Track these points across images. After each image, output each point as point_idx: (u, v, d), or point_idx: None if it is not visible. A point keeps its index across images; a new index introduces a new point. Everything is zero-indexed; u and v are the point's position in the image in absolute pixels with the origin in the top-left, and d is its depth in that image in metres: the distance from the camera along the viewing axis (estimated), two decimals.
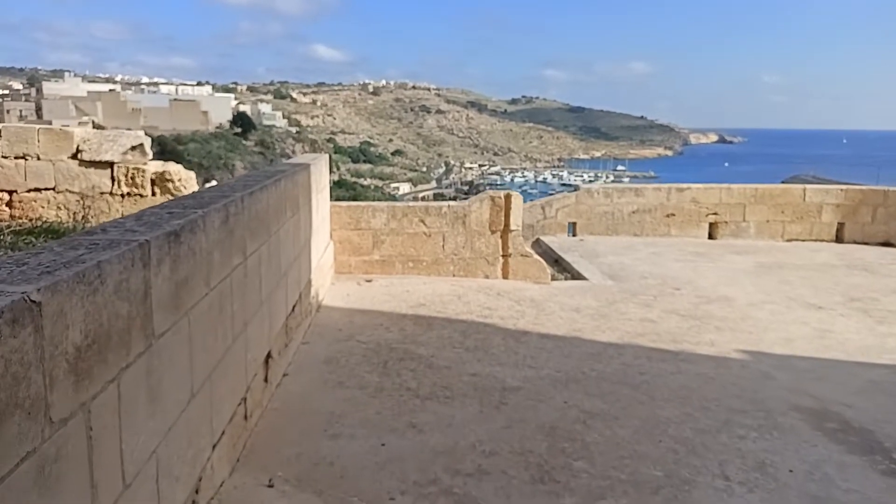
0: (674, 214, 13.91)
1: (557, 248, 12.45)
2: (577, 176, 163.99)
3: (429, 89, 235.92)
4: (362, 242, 9.28)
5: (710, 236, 13.99)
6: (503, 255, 9.44)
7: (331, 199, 9.08)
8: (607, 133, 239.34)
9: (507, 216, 9.32)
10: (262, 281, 4.67)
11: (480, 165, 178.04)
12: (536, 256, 9.56)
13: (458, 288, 8.75)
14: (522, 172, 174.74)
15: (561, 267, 11.05)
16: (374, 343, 6.38)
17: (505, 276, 9.48)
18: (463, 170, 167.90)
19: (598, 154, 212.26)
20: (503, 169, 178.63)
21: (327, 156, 8.96)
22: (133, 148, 8.27)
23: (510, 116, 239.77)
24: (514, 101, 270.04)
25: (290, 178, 5.69)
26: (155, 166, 8.78)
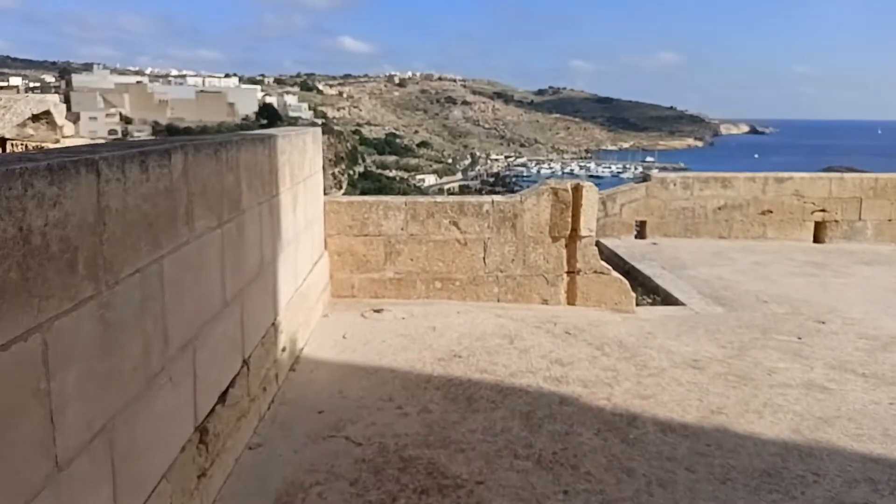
0: (770, 211, 10.97)
1: (626, 254, 9.61)
2: (605, 167, 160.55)
3: (454, 80, 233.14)
4: (370, 254, 6.55)
5: (816, 239, 11.03)
6: (569, 272, 6.66)
7: (347, 192, 6.33)
8: (636, 124, 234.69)
9: (574, 216, 6.52)
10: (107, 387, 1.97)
11: (506, 157, 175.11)
12: (616, 273, 6.75)
13: (507, 322, 5.99)
14: (549, 164, 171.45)
15: (636, 282, 8.21)
16: (376, 446, 3.64)
17: (571, 301, 6.69)
18: (489, 161, 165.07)
19: (626, 145, 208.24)
20: (529, 160, 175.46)
21: (318, 129, 6.23)
22: (36, 118, 5.63)
23: (536, 107, 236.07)
24: (540, 92, 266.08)
25: (205, 157, 2.96)
26: (73, 144, 6.16)
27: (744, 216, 10.99)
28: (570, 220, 6.53)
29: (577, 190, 6.51)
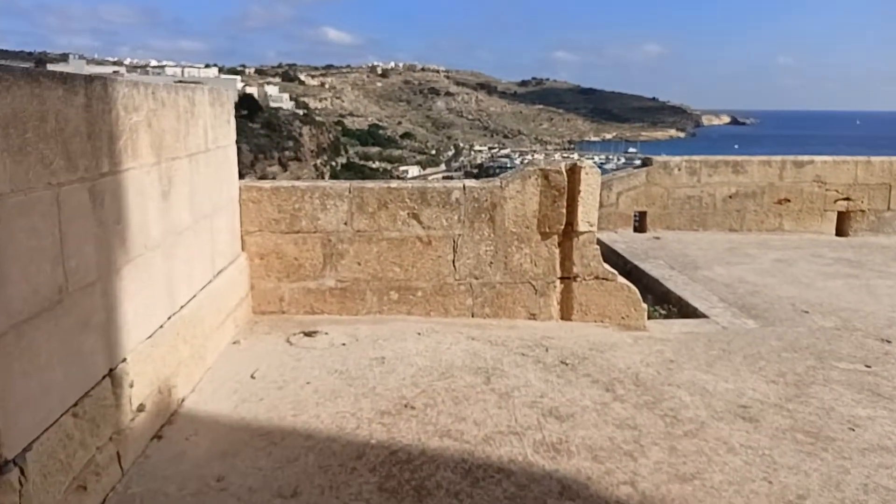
0: (788, 200, 9.54)
1: (626, 251, 8.13)
2: (587, 158, 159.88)
3: (438, 71, 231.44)
4: (304, 256, 4.99)
5: (839, 231, 9.62)
6: (563, 278, 5.14)
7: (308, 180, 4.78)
8: (618, 115, 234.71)
9: (571, 206, 5.01)
10: None
11: (490, 148, 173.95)
12: (622, 279, 5.25)
13: (482, 347, 4.47)
14: (532, 155, 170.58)
15: (641, 286, 6.71)
16: None
17: (566, 315, 5.18)
18: (472, 152, 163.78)
19: (609, 136, 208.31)
20: (513, 151, 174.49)
21: (224, 90, 4.63)
22: None
23: (520, 98, 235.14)
24: (524, 83, 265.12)
25: None
26: None
27: (758, 206, 9.54)
28: (564, 210, 5.01)
29: (573, 172, 4.99)
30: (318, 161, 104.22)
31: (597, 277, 5.13)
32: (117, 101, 2.79)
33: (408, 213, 4.98)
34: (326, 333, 4.60)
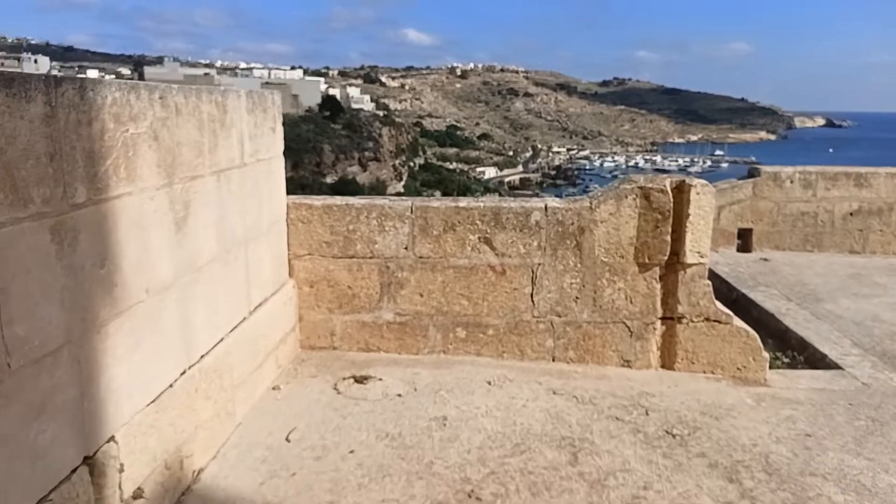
0: None
1: (729, 275, 7.12)
2: (671, 160, 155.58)
3: (517, 72, 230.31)
4: (359, 285, 4.31)
5: None
6: (665, 318, 4.27)
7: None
8: (704, 116, 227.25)
9: (677, 233, 4.13)
10: None
11: (569, 149, 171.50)
12: (739, 322, 4.32)
13: (566, 406, 3.66)
14: (612, 157, 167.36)
15: (751, 320, 5.72)
16: None
17: (668, 364, 4.30)
18: (550, 154, 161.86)
19: (693, 138, 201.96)
20: (592, 153, 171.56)
21: (266, 91, 3.98)
22: None
23: (601, 99, 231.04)
24: (605, 83, 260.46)
25: None
26: None
27: (884, 225, 8.30)
28: (668, 238, 4.14)
29: (680, 191, 4.11)
30: (397, 161, 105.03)
31: (707, 319, 4.23)
32: (103, 110, 2.16)
33: (478, 238, 4.22)
34: (380, 379, 3.90)
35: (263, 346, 3.70)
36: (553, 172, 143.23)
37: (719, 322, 4.24)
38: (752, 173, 8.47)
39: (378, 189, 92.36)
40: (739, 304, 6.41)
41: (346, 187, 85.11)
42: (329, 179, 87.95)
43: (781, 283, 6.85)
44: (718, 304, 4.28)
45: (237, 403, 3.31)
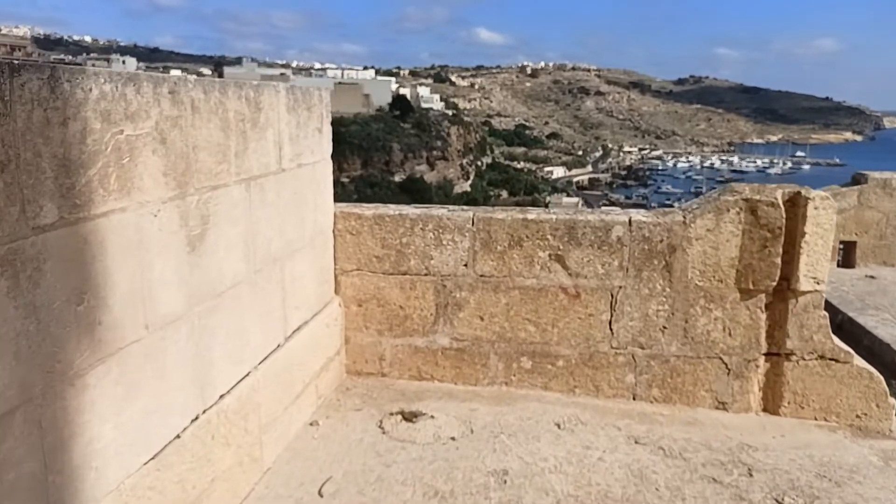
0: None
1: (833, 295, 6.31)
2: (749, 161, 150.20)
3: (588, 70, 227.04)
4: (412, 305, 3.82)
5: None
6: (770, 355, 3.61)
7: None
8: (785, 115, 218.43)
9: (790, 254, 3.47)
10: None
11: (641, 149, 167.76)
12: (860, 361, 3.62)
13: (651, 462, 3.07)
14: (687, 157, 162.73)
15: (861, 348, 4.95)
16: None
17: (772, 408, 3.64)
18: (621, 154, 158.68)
19: (773, 138, 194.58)
20: (665, 153, 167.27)
21: (322, 91, 3.54)
22: None
23: (675, 97, 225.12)
24: (680, 82, 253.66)
25: None
26: None
27: None
28: (778, 259, 3.48)
29: (794, 205, 3.45)
30: (464, 160, 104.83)
31: (822, 357, 3.55)
32: (85, 106, 1.73)
33: (549, 255, 3.66)
34: (432, 417, 3.40)
35: (301, 377, 3.26)
36: (623, 172, 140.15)
37: (836, 361, 3.55)
38: (858, 180, 7.58)
39: (445, 188, 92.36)
40: (845, 329, 5.64)
41: (413, 185, 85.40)
42: (397, 178, 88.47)
43: (895, 305, 6.01)
44: (836, 340, 3.59)
45: (266, 446, 2.87)
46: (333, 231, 3.77)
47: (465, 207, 3.84)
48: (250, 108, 2.68)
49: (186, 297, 2.26)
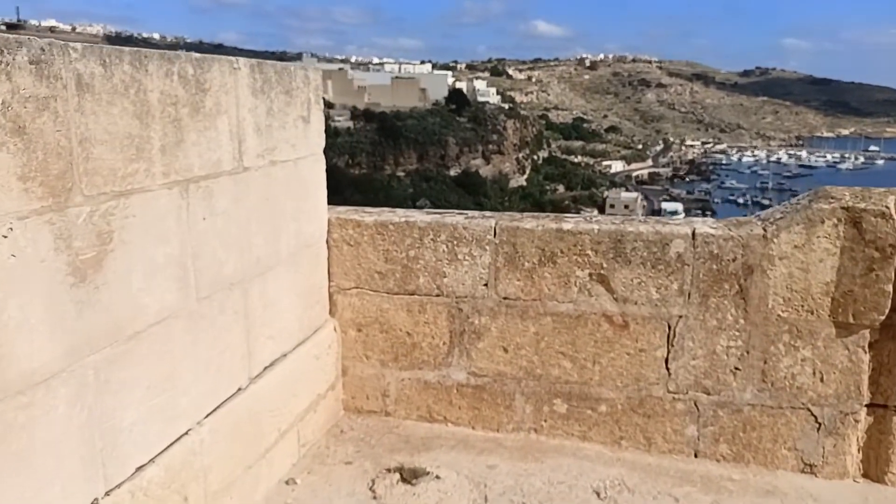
0: None
1: None
2: (818, 156, 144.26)
3: (650, 62, 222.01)
4: (421, 331, 3.15)
5: None
6: (875, 406, 2.80)
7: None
8: (858, 108, 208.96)
9: None
10: None
11: (703, 143, 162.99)
12: None
13: None
14: (752, 151, 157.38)
15: None
16: None
17: (874, 474, 2.83)
18: (683, 147, 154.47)
19: (845, 132, 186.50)
20: (730, 147, 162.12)
21: (309, 71, 2.90)
22: None
23: (741, 90, 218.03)
24: (746, 73, 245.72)
25: None
26: None
27: None
28: (889, 286, 2.67)
29: None
30: (520, 154, 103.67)
31: None
32: None
33: (590, 275, 2.94)
34: (438, 478, 2.72)
35: (274, 424, 2.63)
36: (685, 167, 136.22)
37: None
38: None
39: (500, 182, 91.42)
40: None
41: (468, 180, 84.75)
42: (452, 172, 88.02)
43: None
44: None
45: None
46: (328, 241, 3.13)
47: (485, 214, 3.14)
48: (188, 90, 2.05)
49: (69, 346, 1.65)
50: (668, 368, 2.94)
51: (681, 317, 2.89)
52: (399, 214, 3.17)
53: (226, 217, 2.28)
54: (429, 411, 3.21)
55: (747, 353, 2.87)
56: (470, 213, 3.21)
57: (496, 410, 3.14)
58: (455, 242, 3.04)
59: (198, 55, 2.11)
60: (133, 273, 1.85)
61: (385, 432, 3.13)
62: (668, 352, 2.93)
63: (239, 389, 2.43)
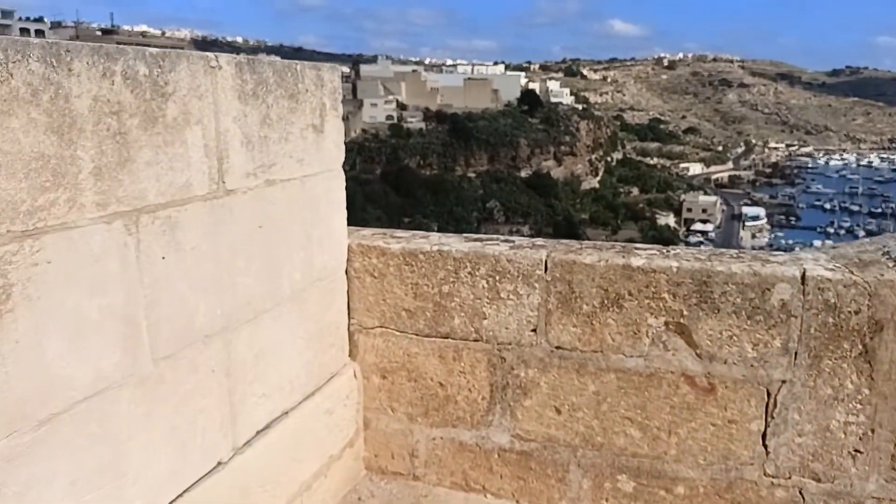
0: None
1: None
2: None
3: (731, 61, 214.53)
4: (456, 381, 2.62)
5: None
6: None
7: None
8: None
9: None
10: None
11: (788, 145, 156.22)
12: None
13: None
14: (841, 154, 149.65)
15: None
16: None
17: None
18: (766, 150, 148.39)
19: None
20: (816, 150, 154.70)
21: (323, 70, 2.42)
22: None
23: (829, 90, 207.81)
24: (835, 73, 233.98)
25: None
26: None
27: None
28: None
29: None
30: (593, 156, 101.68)
31: None
32: None
33: (666, 323, 2.33)
34: None
35: (266, 502, 2.15)
36: (768, 170, 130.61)
37: None
38: None
39: (572, 184, 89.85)
40: None
41: (539, 181, 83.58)
42: (523, 173, 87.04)
43: None
44: None
45: None
46: (347, 272, 2.64)
47: (535, 242, 2.58)
48: (139, 94, 1.58)
49: None
50: (765, 446, 2.31)
51: (784, 381, 2.25)
52: (431, 241, 2.63)
53: (198, 253, 1.81)
54: (464, 478, 2.67)
55: (872, 431, 2.21)
56: (517, 239, 2.65)
57: (546, 483, 2.57)
58: (497, 277, 2.49)
59: (155, 50, 1.64)
60: (45, 337, 1.40)
61: (412, 501, 2.61)
62: (767, 425, 2.29)
63: (219, 464, 1.96)
